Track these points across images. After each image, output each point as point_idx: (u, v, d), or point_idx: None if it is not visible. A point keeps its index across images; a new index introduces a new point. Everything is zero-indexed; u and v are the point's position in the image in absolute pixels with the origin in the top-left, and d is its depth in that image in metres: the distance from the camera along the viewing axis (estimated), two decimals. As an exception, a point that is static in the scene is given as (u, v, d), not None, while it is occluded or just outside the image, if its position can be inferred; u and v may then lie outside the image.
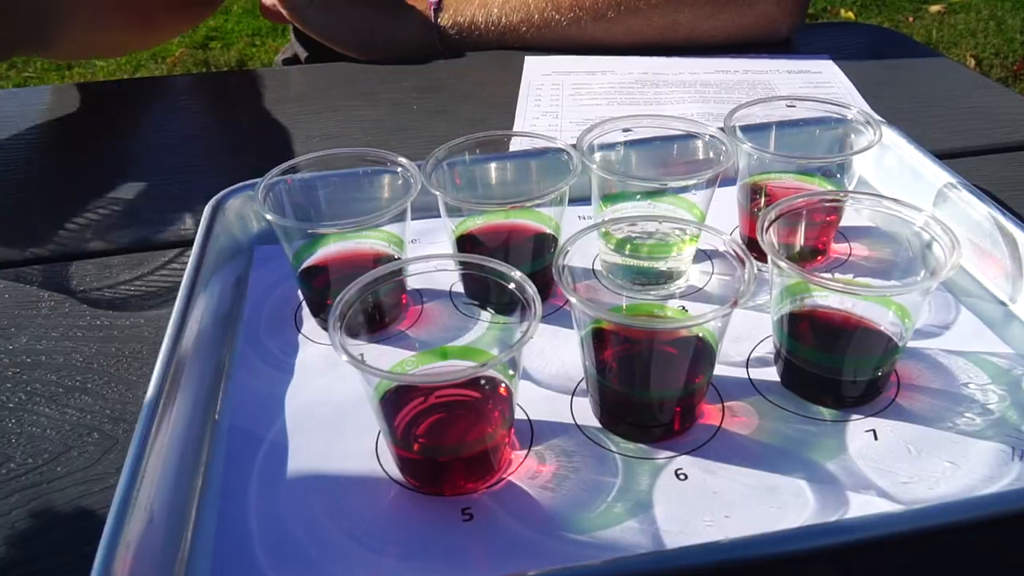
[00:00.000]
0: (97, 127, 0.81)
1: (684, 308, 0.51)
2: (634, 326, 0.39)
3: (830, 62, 0.88)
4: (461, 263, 0.43)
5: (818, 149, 0.60)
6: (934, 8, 3.45)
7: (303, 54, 1.18)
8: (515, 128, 0.77)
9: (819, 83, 0.83)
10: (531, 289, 0.40)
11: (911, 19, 3.39)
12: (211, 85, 0.91)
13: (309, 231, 0.50)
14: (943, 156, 0.66)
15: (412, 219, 0.52)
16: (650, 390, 0.42)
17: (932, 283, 0.40)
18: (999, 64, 3.01)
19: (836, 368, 0.43)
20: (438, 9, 0.94)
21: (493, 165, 0.59)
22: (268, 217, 0.48)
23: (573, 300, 0.39)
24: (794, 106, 0.58)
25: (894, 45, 0.95)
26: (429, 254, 0.44)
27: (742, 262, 0.41)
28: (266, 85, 0.89)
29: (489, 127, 0.77)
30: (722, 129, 0.55)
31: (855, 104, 0.79)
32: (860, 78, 0.84)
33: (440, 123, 0.79)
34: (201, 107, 0.85)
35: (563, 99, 0.83)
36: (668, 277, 0.53)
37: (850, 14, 3.41)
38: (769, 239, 0.44)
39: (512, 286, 0.41)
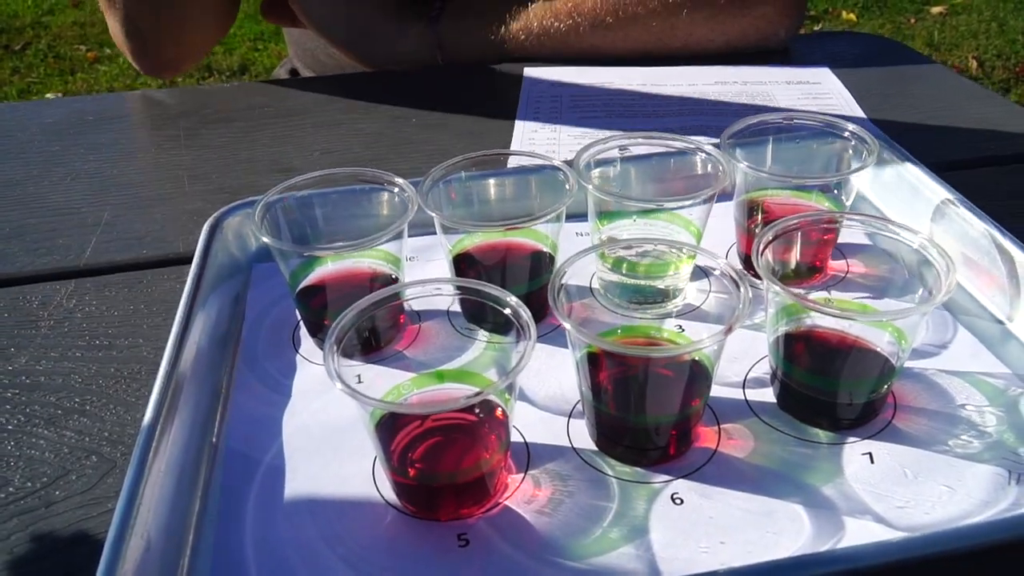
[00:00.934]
0: (92, 143, 0.81)
1: (681, 328, 0.51)
2: (628, 354, 0.39)
3: (828, 72, 0.88)
4: (458, 288, 0.44)
5: (815, 164, 0.60)
6: (936, 9, 3.45)
7: (304, 71, 1.18)
8: (514, 142, 0.77)
9: (818, 94, 0.83)
10: (526, 315, 0.40)
11: (913, 20, 3.38)
12: (208, 98, 0.91)
13: (306, 254, 0.50)
14: (941, 168, 0.66)
15: (409, 236, 0.52)
16: (646, 414, 0.42)
17: (928, 307, 0.40)
18: (1001, 66, 3.01)
19: (832, 391, 0.43)
20: (437, 19, 0.94)
21: (491, 181, 0.59)
22: (265, 239, 0.48)
23: (567, 326, 0.39)
24: (791, 121, 0.58)
25: (892, 54, 0.95)
26: (426, 279, 0.44)
27: (737, 286, 0.41)
28: (266, 98, 0.90)
29: (488, 140, 0.78)
30: (718, 146, 0.55)
31: (854, 115, 0.79)
32: (858, 88, 0.84)
33: (439, 136, 0.79)
34: (198, 121, 0.85)
35: (562, 112, 0.83)
36: (665, 295, 0.53)
37: (851, 15, 3.41)
38: (765, 260, 0.44)
39: (508, 312, 0.41)
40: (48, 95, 3.31)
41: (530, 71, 0.91)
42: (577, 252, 0.44)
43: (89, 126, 0.85)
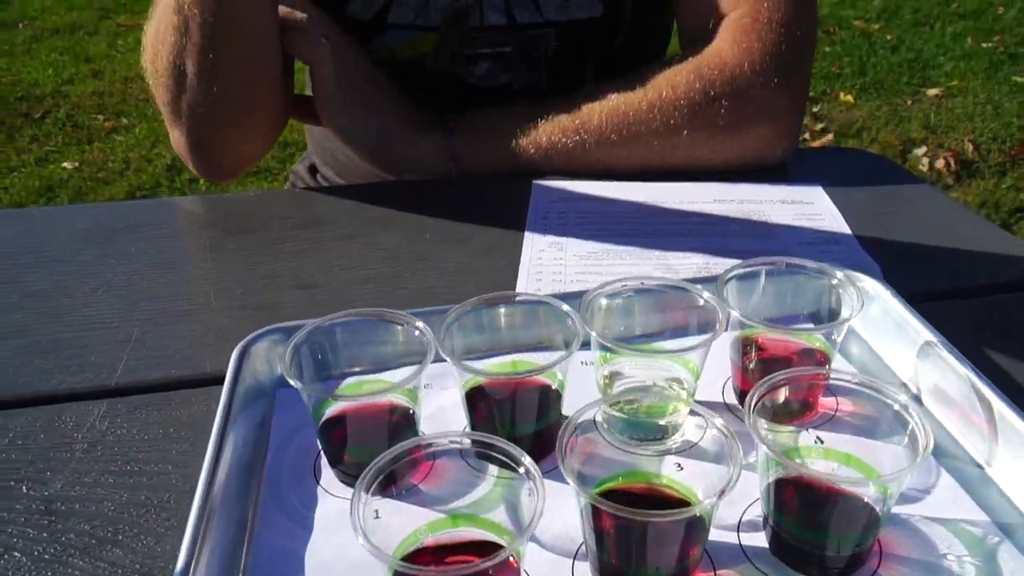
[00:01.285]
0: (122, 252, 0.85)
1: (680, 466, 0.54)
2: (629, 518, 0.42)
3: (821, 191, 0.92)
4: (474, 442, 0.47)
5: (805, 296, 0.64)
6: (932, 91, 3.54)
7: (322, 167, 1.24)
8: (522, 260, 0.81)
9: (811, 215, 0.87)
10: (538, 476, 0.43)
11: (909, 102, 3.47)
12: (232, 207, 0.95)
13: (330, 397, 0.54)
14: (928, 297, 0.70)
15: None
16: (646, 565, 0.45)
17: (909, 469, 0.43)
18: (997, 149, 3.08)
19: (820, 543, 0.46)
20: (452, 131, 0.99)
21: (501, 310, 0.63)
22: (292, 383, 0.52)
23: (571, 482, 0.43)
24: (783, 266, 0.62)
25: (884, 173, 1.00)
26: (446, 432, 0.47)
27: (730, 446, 0.44)
28: (287, 208, 0.94)
29: (499, 257, 0.82)
30: (714, 279, 0.60)
31: (843, 232, 0.84)
32: (850, 207, 0.88)
33: (452, 252, 0.83)
34: (222, 230, 0.89)
35: (568, 226, 0.87)
36: (664, 431, 0.56)
37: (849, 97, 3.50)
38: (755, 419, 0.47)
39: (521, 470, 0.44)
40: (65, 164, 3.39)
41: (538, 184, 0.96)
42: (583, 408, 0.47)
43: (118, 234, 0.89)
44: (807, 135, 3.20)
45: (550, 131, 0.96)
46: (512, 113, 0.98)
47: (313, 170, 1.29)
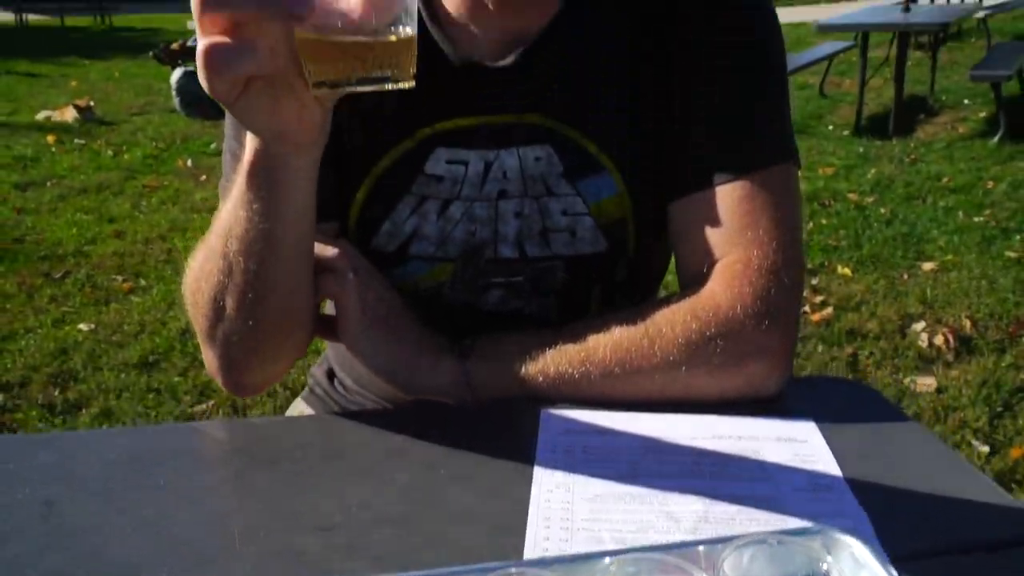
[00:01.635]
0: (151, 485, 0.89)
1: None
2: None
3: (814, 427, 0.97)
4: None
5: (800, 560, 0.68)
6: (927, 266, 3.65)
7: (340, 371, 1.30)
8: (532, 502, 0.85)
9: (804, 456, 0.92)
10: None
11: (906, 276, 3.58)
12: (256, 434, 1.01)
13: None
14: (916, 556, 0.74)
15: None
16: None
17: None
18: (994, 326, 3.15)
19: None
20: (466, 356, 1.05)
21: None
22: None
23: None
24: (775, 543, 0.67)
25: (871, 405, 1.06)
26: None
27: None
28: (309, 436, 0.99)
29: (508, 498, 0.86)
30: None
31: (833, 475, 0.88)
32: (841, 447, 0.93)
33: (464, 488, 0.88)
34: (247, 461, 0.94)
35: (576, 464, 0.92)
36: None
37: (847, 270, 3.61)
38: None
39: None
40: (81, 325, 3.48)
41: (546, 413, 1.01)
42: None
43: (147, 463, 0.94)
44: (807, 308, 3.29)
45: (558, 361, 1.02)
46: (522, 342, 1.05)
47: (331, 375, 1.35)
